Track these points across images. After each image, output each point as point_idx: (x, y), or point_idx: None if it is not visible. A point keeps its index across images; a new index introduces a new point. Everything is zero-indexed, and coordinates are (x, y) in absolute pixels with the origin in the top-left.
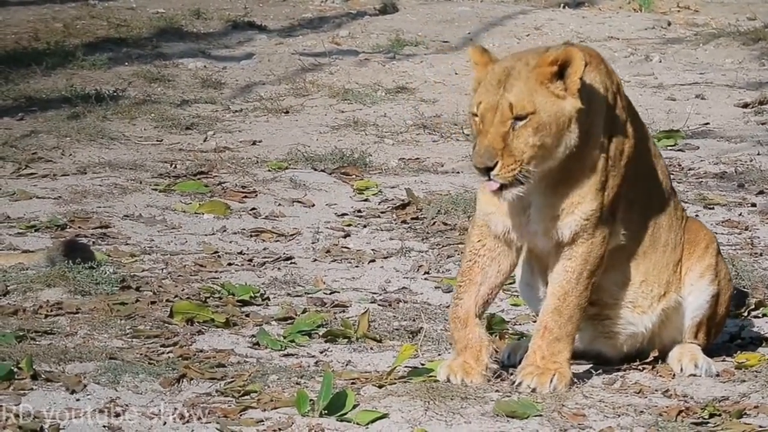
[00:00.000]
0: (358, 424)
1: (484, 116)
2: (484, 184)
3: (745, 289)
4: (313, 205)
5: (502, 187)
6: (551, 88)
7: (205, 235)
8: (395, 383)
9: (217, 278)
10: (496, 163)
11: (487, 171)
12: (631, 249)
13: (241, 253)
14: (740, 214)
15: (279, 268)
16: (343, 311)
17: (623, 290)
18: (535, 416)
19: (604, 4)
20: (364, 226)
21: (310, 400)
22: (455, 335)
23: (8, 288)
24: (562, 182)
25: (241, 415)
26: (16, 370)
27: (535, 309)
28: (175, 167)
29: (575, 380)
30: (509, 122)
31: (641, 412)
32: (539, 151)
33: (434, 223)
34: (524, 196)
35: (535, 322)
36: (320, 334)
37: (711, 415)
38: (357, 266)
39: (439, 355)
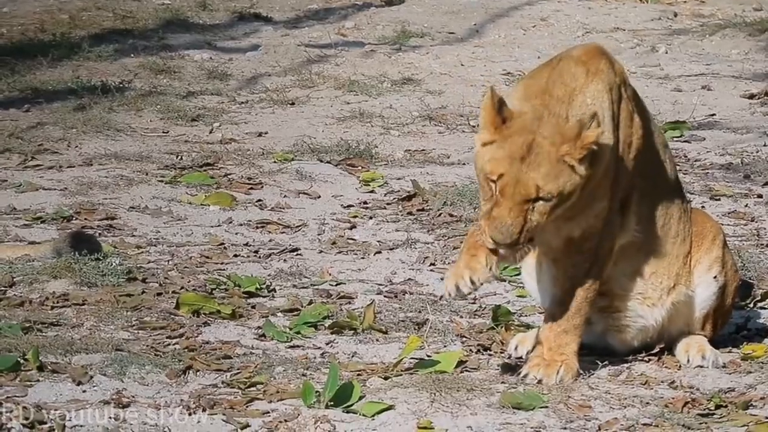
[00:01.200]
0: (364, 415)
1: (504, 189)
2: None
3: (751, 281)
4: (319, 197)
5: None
6: (578, 169)
7: (211, 226)
8: (401, 375)
9: (223, 270)
10: (514, 239)
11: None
12: (642, 240)
13: (247, 244)
14: (746, 205)
15: (285, 260)
16: (349, 303)
17: (633, 282)
18: (541, 408)
19: None
20: (370, 218)
21: (316, 391)
22: (467, 243)
23: (14, 279)
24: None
25: (247, 407)
26: (22, 361)
27: (540, 300)
28: (181, 159)
29: (581, 372)
30: (531, 202)
31: (647, 403)
32: (548, 223)
33: (440, 215)
34: None
35: (541, 313)
36: (326, 325)
37: (717, 407)
38: (363, 258)
39: (445, 346)
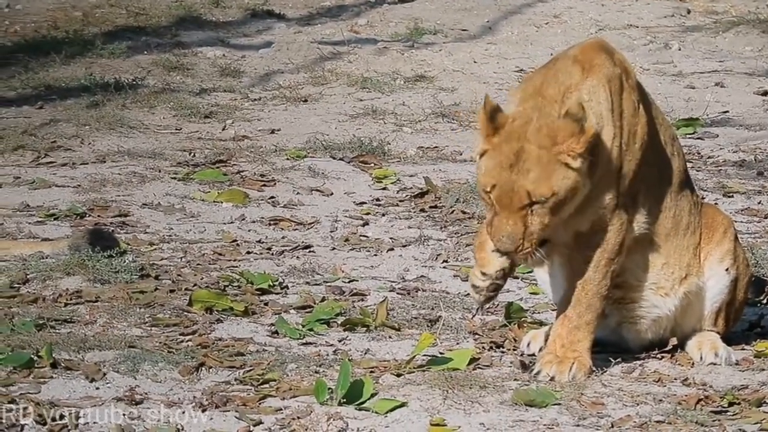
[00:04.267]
0: (376, 412)
1: (499, 199)
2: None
3: (765, 278)
4: (332, 194)
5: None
6: (573, 164)
7: (224, 223)
8: (414, 372)
9: (236, 267)
10: (518, 247)
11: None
12: (653, 231)
13: (259, 241)
14: (759, 203)
15: (297, 257)
16: (362, 300)
17: (646, 272)
18: (554, 405)
19: None
20: (383, 215)
21: (329, 388)
22: (476, 243)
23: (28, 276)
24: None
25: (260, 404)
26: (35, 358)
27: (553, 297)
28: (194, 156)
29: (594, 369)
30: (527, 207)
31: (660, 400)
32: (555, 224)
33: (453, 212)
34: None
35: (554, 310)
36: (339, 322)
37: (730, 404)
38: (375, 255)
39: (458, 343)
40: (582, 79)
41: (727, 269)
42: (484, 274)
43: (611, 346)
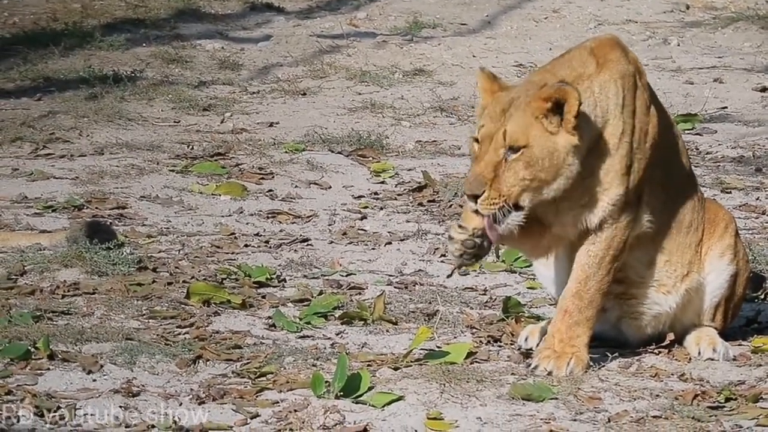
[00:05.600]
0: (373, 406)
1: (482, 142)
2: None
3: (763, 273)
4: (330, 187)
5: (495, 221)
6: (545, 124)
7: (222, 216)
8: (411, 366)
9: (234, 260)
10: (483, 191)
11: (475, 198)
12: (656, 229)
13: (257, 234)
14: (757, 199)
15: (295, 250)
16: (359, 293)
17: (648, 269)
18: (551, 399)
19: None
20: (381, 209)
21: (326, 381)
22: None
23: (25, 268)
24: (589, 174)
25: (257, 397)
26: (33, 350)
27: (554, 291)
28: (192, 148)
29: (591, 364)
30: (502, 151)
31: (657, 395)
32: (531, 185)
33: (450, 206)
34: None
35: (551, 305)
36: (336, 316)
37: (727, 399)
38: (373, 248)
39: (455, 337)
40: (596, 72)
41: (727, 264)
42: (461, 227)
43: (610, 341)
